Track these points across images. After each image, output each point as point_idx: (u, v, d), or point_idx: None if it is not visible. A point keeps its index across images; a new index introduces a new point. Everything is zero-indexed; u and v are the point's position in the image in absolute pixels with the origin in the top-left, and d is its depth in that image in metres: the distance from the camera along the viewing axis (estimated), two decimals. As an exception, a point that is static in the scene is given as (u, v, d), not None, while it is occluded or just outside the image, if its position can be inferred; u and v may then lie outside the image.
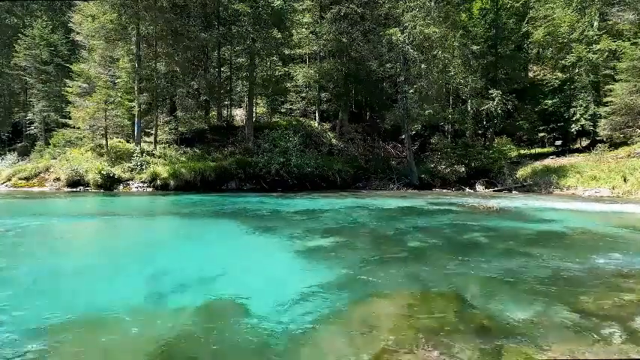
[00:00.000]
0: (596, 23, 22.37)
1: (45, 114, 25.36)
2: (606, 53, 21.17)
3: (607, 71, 21.25)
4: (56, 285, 4.56)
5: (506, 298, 3.94)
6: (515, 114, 24.10)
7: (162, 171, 17.35)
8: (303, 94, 26.47)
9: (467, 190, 20.10)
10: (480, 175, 21.20)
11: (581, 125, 22.17)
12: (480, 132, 25.00)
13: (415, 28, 20.08)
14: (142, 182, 17.36)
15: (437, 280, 4.55)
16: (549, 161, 21.25)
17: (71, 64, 22.09)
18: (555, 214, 10.56)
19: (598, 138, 21.73)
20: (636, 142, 19.18)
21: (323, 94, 25.87)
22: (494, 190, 19.47)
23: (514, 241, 7.08)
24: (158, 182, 17.13)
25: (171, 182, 17.07)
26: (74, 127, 20.13)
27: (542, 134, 24.97)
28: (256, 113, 26.01)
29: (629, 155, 18.15)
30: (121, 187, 17.23)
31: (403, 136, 22.96)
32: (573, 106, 22.63)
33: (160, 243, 7.33)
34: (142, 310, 3.66)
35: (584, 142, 23.62)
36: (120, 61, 20.24)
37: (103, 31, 19.50)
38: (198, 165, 18.28)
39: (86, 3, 21.37)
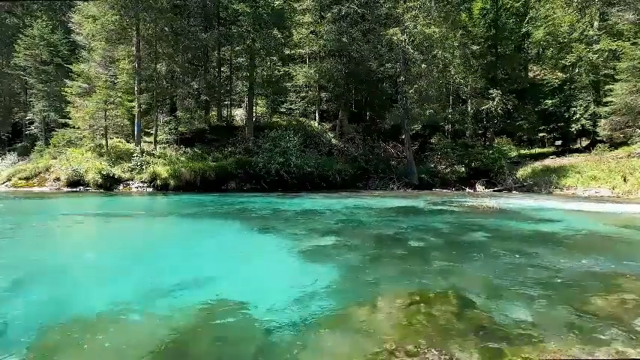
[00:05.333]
0: (596, 23, 22.38)
1: (45, 114, 25.34)
2: (606, 53, 21.17)
3: (607, 71, 21.25)
4: (56, 285, 4.56)
5: (506, 298, 3.94)
6: (515, 114, 24.11)
7: (162, 171, 17.34)
8: (303, 94, 26.46)
9: (467, 190, 20.10)
10: (480, 175, 21.20)
11: (581, 125, 22.20)
12: (480, 132, 25.01)
13: (415, 28, 20.09)
14: (141, 182, 17.36)
15: (437, 280, 4.54)
16: (549, 161, 21.25)
17: (71, 64, 22.07)
18: (555, 214, 10.55)
19: (598, 138, 21.75)
20: (636, 142, 19.19)
21: (323, 94, 25.87)
22: (494, 190, 19.46)
23: (514, 241, 7.07)
24: (158, 182, 17.14)
25: (171, 182, 17.07)
26: (74, 127, 20.13)
27: (542, 134, 25.00)
28: (256, 113, 26.01)
29: (629, 155, 18.16)
30: (121, 187, 17.24)
31: (403, 136, 22.96)
32: (573, 106, 22.64)
33: (160, 243, 7.32)
34: (142, 309, 3.66)
35: (584, 142, 23.63)
36: (120, 62, 20.24)
37: (103, 32, 19.51)
38: (198, 165, 18.27)
39: (86, 4, 21.36)
